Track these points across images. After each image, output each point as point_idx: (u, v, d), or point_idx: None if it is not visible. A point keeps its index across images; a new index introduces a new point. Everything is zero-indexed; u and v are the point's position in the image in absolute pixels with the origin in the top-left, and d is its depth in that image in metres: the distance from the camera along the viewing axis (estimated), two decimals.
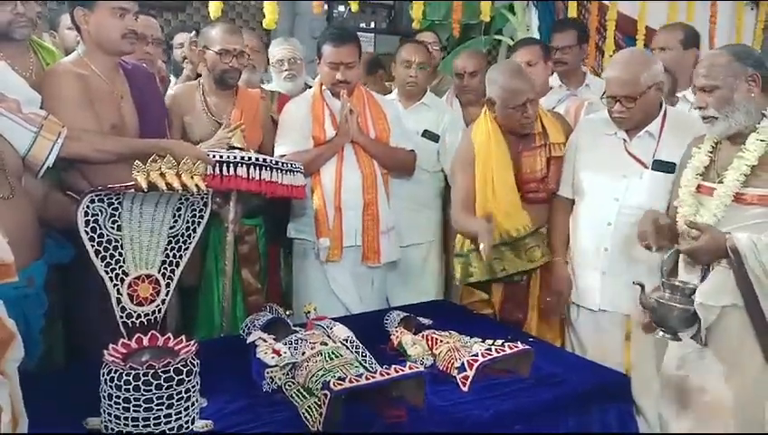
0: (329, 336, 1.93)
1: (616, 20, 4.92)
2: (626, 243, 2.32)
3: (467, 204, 2.56)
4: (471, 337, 2.07)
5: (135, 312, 1.69)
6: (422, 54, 3.15)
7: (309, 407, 1.61)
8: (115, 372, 1.44)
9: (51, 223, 2.03)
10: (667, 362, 2.15)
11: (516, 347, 1.89)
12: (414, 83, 3.13)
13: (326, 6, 4.97)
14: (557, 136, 2.59)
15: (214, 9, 3.31)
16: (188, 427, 1.50)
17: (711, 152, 2.09)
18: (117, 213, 1.64)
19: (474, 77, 3.21)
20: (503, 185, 2.53)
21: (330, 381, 1.55)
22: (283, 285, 3.10)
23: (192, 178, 1.64)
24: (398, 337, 2.05)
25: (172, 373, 1.45)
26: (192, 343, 1.55)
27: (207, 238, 2.66)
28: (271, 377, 1.75)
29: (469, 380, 1.80)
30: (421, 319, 2.21)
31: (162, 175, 1.59)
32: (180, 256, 1.77)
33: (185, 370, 1.47)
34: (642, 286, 1.99)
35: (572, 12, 4.80)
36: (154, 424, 1.44)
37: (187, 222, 1.77)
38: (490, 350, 1.88)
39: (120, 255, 1.66)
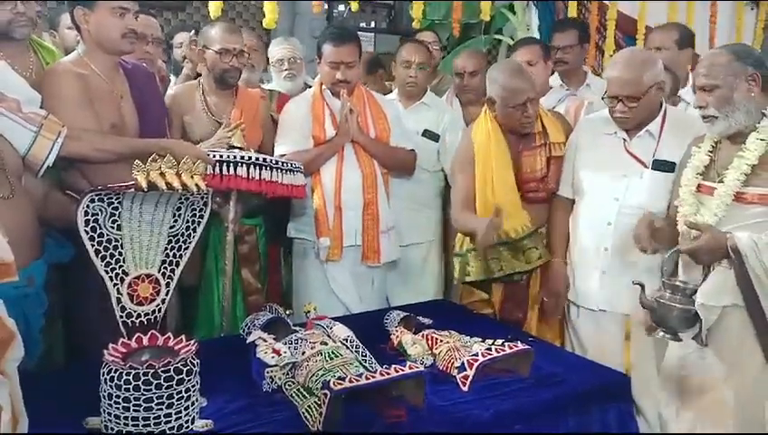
0: (329, 336, 1.93)
1: (616, 20, 4.92)
2: (626, 243, 2.32)
3: (467, 203, 2.56)
4: (471, 337, 2.07)
5: (135, 311, 1.69)
6: (422, 54, 3.15)
7: (309, 406, 1.61)
8: (115, 372, 1.44)
9: (51, 222, 2.03)
10: (667, 362, 2.15)
11: (516, 347, 1.89)
12: (414, 84, 3.13)
13: (326, 6, 4.98)
14: (557, 135, 2.59)
15: (214, 9, 3.31)
16: (188, 426, 1.50)
17: (711, 152, 2.09)
18: (117, 212, 1.64)
19: (474, 76, 3.21)
20: (502, 184, 2.53)
21: (330, 380, 1.55)
22: (283, 284, 3.10)
23: (192, 177, 1.64)
24: (398, 337, 2.05)
25: (172, 373, 1.45)
26: (192, 342, 1.55)
27: (207, 238, 2.65)
28: (271, 377, 1.75)
29: (469, 379, 1.80)
30: (421, 319, 2.21)
31: (162, 174, 1.59)
32: (180, 256, 1.77)
33: (185, 369, 1.47)
34: (642, 286, 1.99)
35: (572, 11, 4.80)
36: (154, 424, 1.44)
37: (187, 222, 1.77)
38: (490, 349, 1.88)
39: (120, 254, 1.66)
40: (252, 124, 2.71)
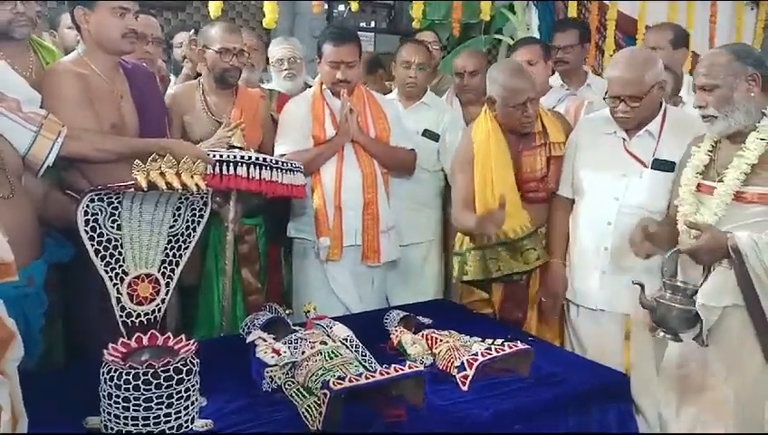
0: (328, 335, 1.93)
1: (616, 19, 4.93)
2: (626, 242, 2.32)
3: (468, 203, 2.56)
4: (471, 336, 2.07)
5: (135, 311, 1.69)
6: (422, 55, 3.15)
7: (308, 406, 1.61)
8: (115, 372, 1.44)
9: (51, 222, 2.03)
10: (667, 362, 2.15)
11: (516, 346, 1.89)
12: (413, 84, 3.13)
13: (326, 6, 4.98)
14: (557, 135, 2.59)
15: (214, 8, 3.31)
16: (188, 426, 1.50)
17: (711, 151, 2.09)
18: (117, 212, 1.64)
19: (474, 76, 3.21)
20: (502, 184, 2.52)
21: (329, 380, 1.55)
22: (284, 284, 3.10)
23: (192, 177, 1.64)
24: (397, 336, 2.05)
25: (172, 373, 1.45)
26: (192, 342, 1.55)
27: (207, 238, 2.65)
28: (270, 376, 1.75)
29: (469, 379, 1.80)
30: (421, 318, 2.21)
31: (162, 174, 1.59)
32: (180, 256, 1.77)
33: (184, 369, 1.47)
34: (642, 286, 1.99)
35: (572, 11, 4.80)
36: (154, 423, 1.44)
37: (187, 221, 1.77)
38: (490, 349, 1.88)
39: (120, 254, 1.66)
40: (252, 124, 2.71)
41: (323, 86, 2.80)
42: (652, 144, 2.36)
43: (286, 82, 3.33)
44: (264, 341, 1.85)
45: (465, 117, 3.22)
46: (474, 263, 2.60)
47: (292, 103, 2.87)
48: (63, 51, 2.64)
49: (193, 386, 1.51)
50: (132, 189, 1.59)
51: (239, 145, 2.45)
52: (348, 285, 2.79)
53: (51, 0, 3.68)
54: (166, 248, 1.74)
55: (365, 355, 1.86)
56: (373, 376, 1.59)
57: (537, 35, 4.73)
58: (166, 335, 1.59)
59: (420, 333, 2.08)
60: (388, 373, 1.60)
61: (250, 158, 2.36)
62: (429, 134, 3.13)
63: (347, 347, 1.86)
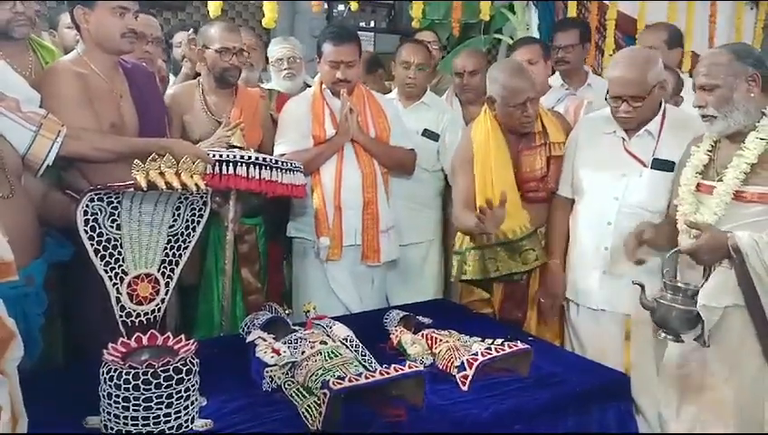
0: (328, 335, 1.93)
1: (616, 19, 4.92)
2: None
3: (468, 203, 2.56)
4: (470, 336, 2.07)
5: (134, 311, 1.69)
6: (421, 55, 3.14)
7: (308, 406, 1.61)
8: (114, 371, 1.44)
9: (50, 222, 2.03)
10: (666, 362, 2.15)
11: (516, 346, 1.89)
12: (413, 84, 3.13)
13: (325, 5, 4.98)
14: (557, 135, 2.59)
15: (213, 8, 3.31)
16: (188, 426, 1.50)
17: (710, 151, 2.09)
18: (116, 212, 1.64)
19: (474, 76, 3.21)
20: (502, 183, 2.52)
21: (329, 380, 1.55)
22: (286, 284, 3.09)
23: (191, 177, 1.64)
24: (397, 336, 2.05)
25: (171, 372, 1.45)
26: (191, 342, 1.55)
27: (207, 237, 2.65)
28: (270, 376, 1.75)
29: (469, 379, 1.80)
30: (421, 318, 2.21)
31: (161, 174, 1.59)
32: (180, 256, 1.77)
33: (184, 369, 1.47)
34: (642, 287, 1.99)
35: (572, 11, 4.80)
36: (153, 423, 1.44)
37: (187, 221, 1.77)
38: (489, 349, 1.87)
39: (120, 254, 1.66)
40: (251, 123, 2.71)
41: (323, 86, 2.80)
42: (652, 144, 2.35)
43: (286, 81, 3.34)
44: (264, 340, 1.85)
45: (465, 117, 3.22)
46: (473, 262, 2.60)
47: (292, 103, 2.87)
48: (63, 50, 2.64)
49: (193, 386, 1.51)
50: (132, 189, 1.59)
51: (239, 145, 2.45)
52: (348, 284, 2.79)
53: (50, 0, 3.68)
54: (165, 248, 1.74)
55: (365, 355, 1.86)
56: (373, 376, 1.59)
57: (537, 35, 4.73)
58: (165, 335, 1.58)
59: (420, 333, 2.08)
60: (387, 373, 1.60)
61: (250, 157, 2.36)
62: (429, 134, 3.13)
63: (347, 347, 1.86)
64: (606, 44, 4.99)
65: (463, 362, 1.84)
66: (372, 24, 5.84)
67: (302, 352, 1.80)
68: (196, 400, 1.54)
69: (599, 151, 2.44)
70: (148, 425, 1.43)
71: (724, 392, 1.98)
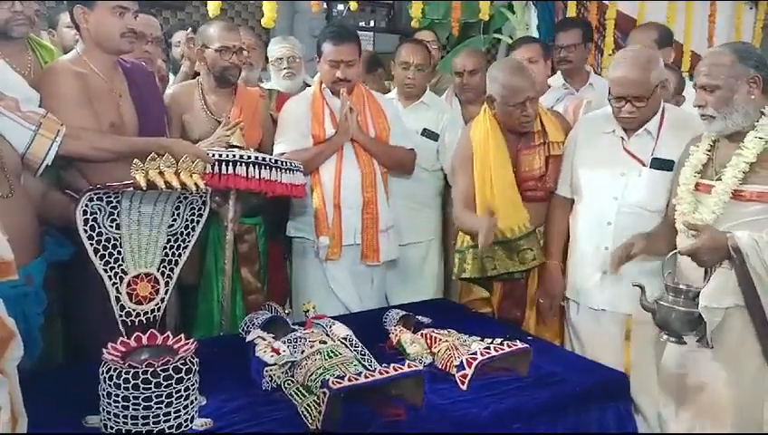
0: (328, 335, 1.93)
1: (615, 19, 4.93)
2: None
3: (468, 202, 2.56)
4: (470, 336, 2.07)
5: (134, 310, 1.69)
6: (421, 56, 3.14)
7: (308, 405, 1.61)
8: (114, 371, 1.44)
9: (50, 221, 2.03)
10: (665, 361, 2.15)
11: (515, 346, 1.89)
12: (412, 85, 3.13)
13: (325, 5, 4.98)
14: (556, 135, 2.59)
15: (213, 8, 3.31)
16: (187, 425, 1.50)
17: (709, 150, 2.08)
18: (116, 211, 1.64)
19: (473, 75, 3.21)
20: (501, 182, 2.53)
21: (329, 379, 1.55)
22: (290, 282, 3.09)
23: (191, 176, 1.64)
24: (397, 335, 2.05)
25: (171, 372, 1.45)
26: (191, 341, 1.54)
27: (207, 237, 2.65)
28: (270, 375, 1.75)
29: (468, 378, 1.80)
30: (420, 317, 2.21)
31: (161, 173, 1.59)
32: (179, 255, 1.77)
33: (184, 368, 1.47)
34: (642, 288, 1.98)
35: (571, 11, 4.81)
36: (153, 422, 1.44)
37: (186, 221, 1.77)
38: (489, 348, 1.88)
39: (119, 253, 1.66)
40: (251, 123, 2.70)
41: (323, 85, 2.80)
42: (651, 143, 2.35)
43: (285, 81, 3.34)
44: (264, 340, 1.86)
45: (465, 116, 3.22)
46: (472, 261, 2.60)
47: (292, 102, 2.87)
48: (62, 50, 2.64)
49: (192, 385, 1.51)
50: (131, 189, 1.59)
51: (238, 144, 2.45)
52: (347, 284, 2.79)
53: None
54: (165, 248, 1.74)
55: (364, 354, 1.86)
56: (372, 375, 1.59)
57: (536, 35, 4.73)
58: (165, 335, 1.58)
59: (419, 333, 2.08)
60: (387, 372, 1.61)
61: (249, 157, 2.36)
62: (429, 133, 3.13)
63: (346, 346, 1.86)
64: (605, 44, 5.00)
65: (462, 362, 1.84)
66: (372, 23, 5.84)
67: (302, 352, 1.80)
68: (196, 399, 1.54)
69: (598, 151, 2.44)
70: (147, 424, 1.43)
71: (723, 392, 1.98)
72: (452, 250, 2.88)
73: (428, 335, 2.04)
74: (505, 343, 1.91)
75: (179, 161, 1.63)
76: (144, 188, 1.57)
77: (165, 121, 2.55)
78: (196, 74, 2.86)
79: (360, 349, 1.88)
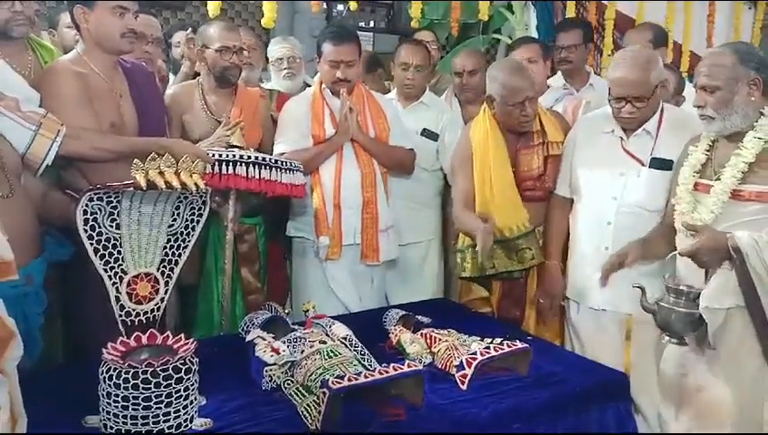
0: (328, 334, 1.93)
1: (614, 19, 4.93)
2: (626, 242, 2.32)
3: (468, 202, 2.56)
4: (470, 335, 2.07)
5: (134, 310, 1.69)
6: (420, 56, 3.14)
7: (308, 405, 1.61)
8: (114, 371, 1.44)
9: (50, 221, 2.03)
10: (665, 362, 2.15)
11: (515, 346, 1.89)
12: (411, 86, 3.13)
13: (325, 5, 4.98)
14: (555, 134, 2.59)
15: (213, 8, 3.31)
16: (187, 425, 1.50)
17: (708, 150, 2.08)
18: (116, 211, 1.64)
19: (473, 75, 3.21)
20: (500, 182, 2.53)
21: (328, 379, 1.55)
22: (291, 282, 3.10)
23: (191, 176, 1.64)
24: (396, 335, 2.05)
25: (171, 372, 1.45)
26: (191, 341, 1.55)
27: (207, 237, 2.65)
28: (270, 375, 1.75)
29: (468, 378, 1.80)
30: (420, 317, 2.21)
31: (161, 173, 1.60)
32: (179, 255, 1.77)
33: (183, 368, 1.47)
34: (642, 290, 1.98)
35: (570, 11, 4.81)
36: (153, 422, 1.44)
37: (186, 220, 1.77)
38: (489, 348, 1.88)
39: (119, 253, 1.66)
40: (251, 123, 2.71)
41: (323, 85, 2.80)
42: (650, 143, 2.35)
43: (285, 81, 3.34)
44: (264, 340, 1.86)
45: (464, 116, 3.22)
46: (471, 260, 2.60)
47: (292, 102, 2.87)
48: (62, 50, 2.64)
49: (192, 385, 1.51)
50: (131, 189, 1.59)
51: (238, 144, 2.45)
52: (347, 284, 2.79)
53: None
54: (165, 247, 1.74)
55: (364, 354, 1.86)
56: (372, 375, 1.59)
57: (535, 35, 4.73)
58: (165, 334, 1.58)
59: (419, 332, 2.08)
60: (387, 372, 1.61)
61: (249, 157, 2.36)
62: (428, 134, 3.13)
63: (346, 346, 1.87)
64: (604, 44, 4.99)
65: (462, 362, 1.84)
66: (371, 23, 5.84)
67: (302, 352, 1.80)
68: (196, 399, 1.54)
69: (597, 151, 2.44)
70: (147, 424, 1.43)
71: (723, 392, 1.98)
72: (452, 250, 2.89)
73: (428, 335, 2.04)
74: (505, 342, 1.91)
75: (179, 161, 1.63)
76: (144, 188, 1.57)
77: (165, 122, 2.55)
78: (197, 75, 2.86)
79: (359, 349, 1.88)
